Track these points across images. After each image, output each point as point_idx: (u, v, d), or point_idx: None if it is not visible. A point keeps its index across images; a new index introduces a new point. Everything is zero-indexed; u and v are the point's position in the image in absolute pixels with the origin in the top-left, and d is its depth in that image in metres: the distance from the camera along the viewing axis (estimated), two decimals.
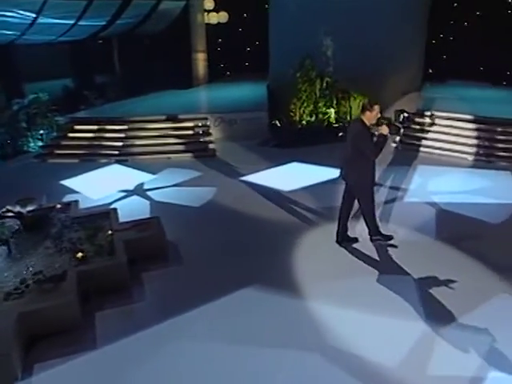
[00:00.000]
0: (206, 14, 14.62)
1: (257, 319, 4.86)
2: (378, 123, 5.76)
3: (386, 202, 7.67)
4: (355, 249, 6.23)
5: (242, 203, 7.85)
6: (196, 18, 14.32)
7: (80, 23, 12.08)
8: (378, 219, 6.35)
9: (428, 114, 10.82)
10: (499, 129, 10.06)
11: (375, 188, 6.21)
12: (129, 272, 5.33)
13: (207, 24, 14.72)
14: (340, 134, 11.29)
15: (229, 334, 4.66)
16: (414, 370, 4.11)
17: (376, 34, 11.48)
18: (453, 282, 5.36)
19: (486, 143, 9.95)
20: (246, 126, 11.46)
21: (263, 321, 4.83)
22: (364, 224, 6.25)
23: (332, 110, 11.61)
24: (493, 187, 8.43)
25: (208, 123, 11.07)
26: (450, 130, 10.44)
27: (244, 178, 8.91)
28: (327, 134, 11.26)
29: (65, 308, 4.65)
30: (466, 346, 4.36)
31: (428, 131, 10.64)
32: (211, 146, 10.58)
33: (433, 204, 7.61)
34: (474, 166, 9.55)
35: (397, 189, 8.25)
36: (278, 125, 11.69)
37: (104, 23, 12.63)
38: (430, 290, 5.25)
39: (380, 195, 7.81)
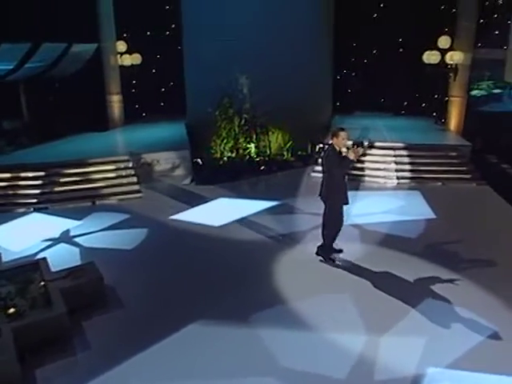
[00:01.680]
0: (119, 56, 14.59)
1: (209, 352, 4.90)
2: (348, 148, 6.37)
3: (315, 228, 8.06)
4: (290, 272, 6.60)
5: (175, 242, 7.89)
6: (109, 60, 14.21)
7: None
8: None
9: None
10: (406, 153, 11.10)
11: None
12: (69, 322, 5.11)
13: (121, 66, 14.70)
14: (262, 167, 11.76)
15: (182, 370, 4.65)
16: (362, 378, 4.47)
17: (288, 71, 12.21)
18: (386, 294, 5.92)
19: (397, 167, 10.91)
20: (169, 165, 11.53)
21: (215, 353, 4.88)
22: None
23: (252, 145, 12.03)
24: (406, 206, 9.28)
25: (130, 165, 10.96)
26: (363, 157, 11.27)
27: (173, 217, 8.90)
28: (249, 169, 11.65)
29: (2, 367, 4.35)
30: (405, 348, 4.87)
31: None
32: (136, 187, 10.45)
33: (356, 226, 8.14)
34: (388, 189, 10.46)
35: (320, 215, 8.64)
36: (201, 162, 11.87)
37: (12, 67, 12.17)
38: (370, 303, 5.73)
39: (308, 222, 8.31)
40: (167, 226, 8.56)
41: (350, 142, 6.52)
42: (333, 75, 14.18)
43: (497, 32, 13.50)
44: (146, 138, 13.08)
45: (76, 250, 7.56)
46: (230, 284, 6.37)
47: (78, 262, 6.74)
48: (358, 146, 6.27)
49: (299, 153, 12.43)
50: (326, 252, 6.88)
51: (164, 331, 5.22)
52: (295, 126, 11.95)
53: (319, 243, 6.95)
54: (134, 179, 10.66)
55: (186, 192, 10.46)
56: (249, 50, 12.11)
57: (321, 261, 6.84)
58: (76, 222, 8.76)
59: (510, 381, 4.41)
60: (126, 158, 11.06)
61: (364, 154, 6.66)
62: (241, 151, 12.00)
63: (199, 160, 11.87)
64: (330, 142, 6.52)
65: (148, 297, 6.09)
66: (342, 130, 6.50)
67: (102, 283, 5.93)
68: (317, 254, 6.91)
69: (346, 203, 6.68)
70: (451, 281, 6.20)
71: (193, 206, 9.50)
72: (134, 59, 14.91)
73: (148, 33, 15.82)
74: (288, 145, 12.40)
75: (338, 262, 6.81)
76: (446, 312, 5.49)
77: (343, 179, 6.53)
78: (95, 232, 8.27)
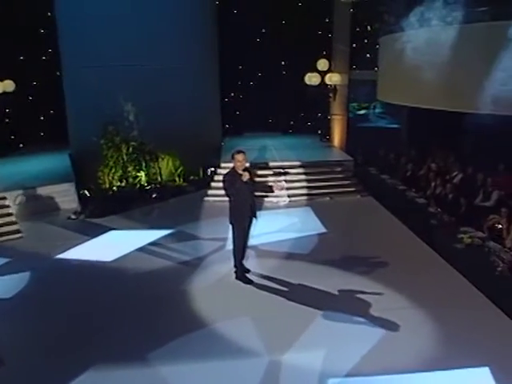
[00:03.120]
0: None
1: None
2: (244, 171, 6.45)
3: (214, 251, 8.09)
4: (192, 300, 6.47)
5: (63, 283, 7.28)
6: None
7: None
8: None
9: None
10: (295, 171, 11.56)
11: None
12: None
13: None
14: (153, 195, 11.41)
15: None
16: None
17: (176, 96, 12.10)
18: (289, 310, 6.09)
19: (287, 185, 11.21)
20: (53, 199, 10.70)
21: None
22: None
23: (142, 173, 11.67)
24: (299, 223, 9.60)
25: (7, 203, 9.99)
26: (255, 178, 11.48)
27: (60, 256, 8.21)
28: (141, 197, 11.26)
29: None
30: (306, 363, 4.99)
31: None
32: (15, 226, 9.49)
33: (254, 246, 8.10)
34: (280, 207, 10.74)
35: (217, 239, 8.57)
36: (88, 194, 11.22)
37: None
38: (272, 322, 5.85)
39: (206, 246, 8.35)
40: (53, 266, 7.88)
41: (248, 164, 6.65)
42: (220, 98, 14.32)
43: (368, 55, 14.69)
44: (25, 171, 12.05)
45: None
46: (129, 321, 6.01)
47: None
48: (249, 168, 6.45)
49: (191, 177, 12.34)
50: (240, 274, 6.94)
51: None
52: (185, 150, 11.85)
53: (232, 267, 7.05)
54: (12, 218, 9.70)
55: (73, 227, 9.73)
56: (134, 75, 11.85)
57: (235, 280, 6.91)
58: None
59: (406, 378, 4.68)
60: (1, 195, 10.07)
61: (256, 175, 6.74)
62: (130, 180, 11.57)
63: (86, 192, 11.21)
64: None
65: (33, 349, 5.48)
66: (239, 152, 6.57)
67: None
68: (236, 278, 6.94)
69: (254, 216, 6.79)
70: (346, 287, 6.57)
71: (82, 242, 8.86)
72: (5, 86, 13.76)
73: (21, 58, 14.79)
74: (179, 170, 12.24)
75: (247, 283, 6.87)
76: (341, 319, 5.77)
77: (244, 199, 6.56)
78: None
